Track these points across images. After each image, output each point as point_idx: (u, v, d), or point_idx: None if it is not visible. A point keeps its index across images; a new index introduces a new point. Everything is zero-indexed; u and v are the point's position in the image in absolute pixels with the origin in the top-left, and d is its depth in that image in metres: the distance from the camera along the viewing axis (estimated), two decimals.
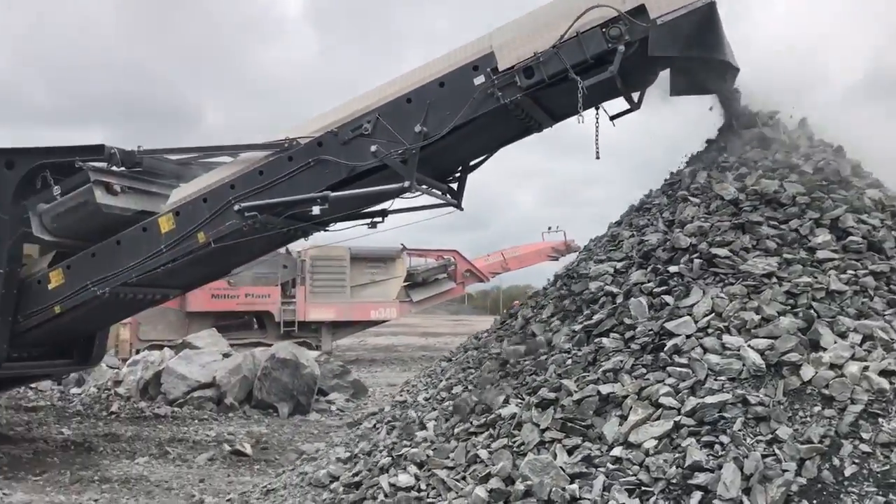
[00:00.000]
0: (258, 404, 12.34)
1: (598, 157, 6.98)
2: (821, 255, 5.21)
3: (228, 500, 6.80)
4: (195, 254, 7.91)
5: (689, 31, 6.34)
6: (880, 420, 4.24)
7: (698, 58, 6.51)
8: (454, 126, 7.06)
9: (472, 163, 8.40)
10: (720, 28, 6.46)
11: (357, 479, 5.55)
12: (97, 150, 8.03)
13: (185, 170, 8.68)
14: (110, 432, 10.54)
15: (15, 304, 8.31)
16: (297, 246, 22.10)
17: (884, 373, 4.45)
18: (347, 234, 9.19)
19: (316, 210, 7.52)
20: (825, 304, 4.91)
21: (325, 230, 8.90)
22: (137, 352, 17.81)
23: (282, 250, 21.91)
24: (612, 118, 7.55)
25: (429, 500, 4.79)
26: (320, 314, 22.19)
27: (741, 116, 6.78)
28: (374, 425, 6.54)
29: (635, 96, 7.51)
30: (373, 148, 7.21)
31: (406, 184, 7.24)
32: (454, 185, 8.48)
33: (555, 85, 6.75)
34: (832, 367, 4.50)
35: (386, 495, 5.04)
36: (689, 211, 5.72)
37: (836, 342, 4.65)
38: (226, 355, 13.29)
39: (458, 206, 8.46)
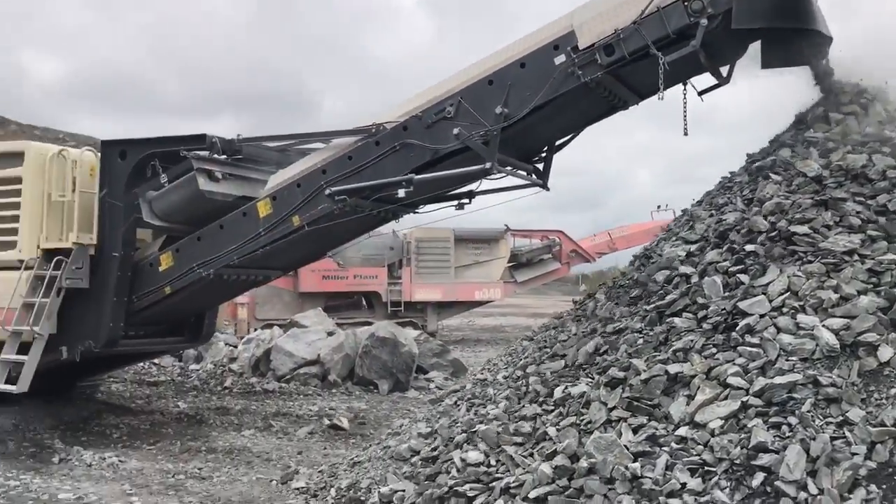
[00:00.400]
0: (360, 381, 12.78)
1: (686, 134, 6.85)
2: None
3: (320, 472, 7.14)
4: (291, 236, 8.27)
5: (775, 0, 6.12)
6: None
7: (786, 28, 6.28)
8: (534, 106, 7.10)
9: (557, 142, 8.39)
10: None
11: (434, 453, 5.74)
12: (199, 140, 8.50)
13: (282, 156, 9.07)
14: (221, 406, 11.17)
15: (129, 286, 8.92)
16: (403, 228, 22.58)
17: None
18: (442, 214, 9.25)
19: (401, 193, 7.71)
20: None
21: (415, 212, 9.11)
22: (255, 330, 18.69)
23: (387, 231, 22.48)
24: (701, 93, 7.38)
25: (497, 476, 4.91)
26: (425, 294, 22.59)
27: (834, 89, 6.49)
28: (455, 402, 6.70)
29: (725, 70, 7.32)
30: (455, 130, 7.32)
31: (488, 165, 7.33)
32: (540, 166, 8.51)
33: (636, 62, 6.67)
34: None
35: (458, 470, 5.19)
36: (770, 189, 5.56)
37: None
38: (330, 333, 13.79)
39: (544, 187, 8.47)
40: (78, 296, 8.78)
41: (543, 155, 8.46)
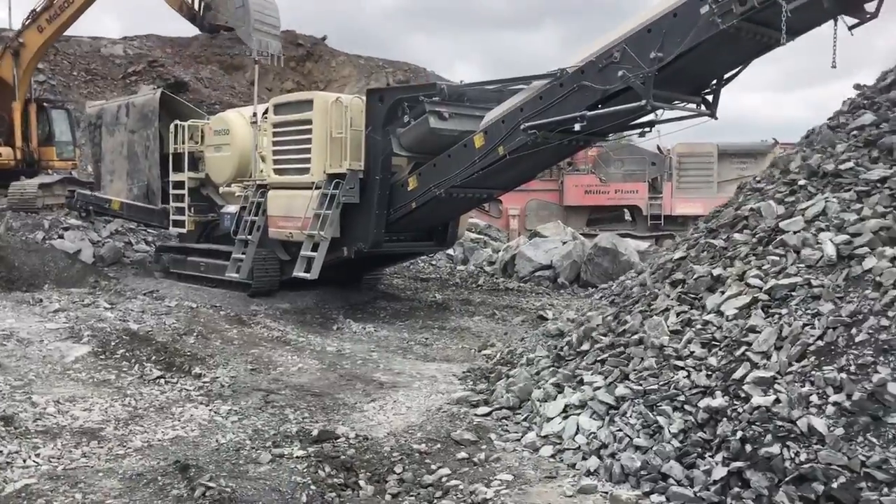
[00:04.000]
0: (584, 284, 14.69)
1: (833, 67, 7.76)
2: None
3: (492, 342, 9.35)
4: (497, 164, 10.35)
5: None
6: None
7: None
8: (682, 51, 8.35)
9: (726, 76, 9.42)
10: None
11: (566, 331, 7.66)
12: (432, 88, 10.85)
13: (500, 95, 11.09)
14: (466, 298, 13.75)
15: (388, 202, 11.62)
16: (666, 143, 23.48)
17: None
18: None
19: (577, 127, 9.41)
20: None
21: (606, 140, 10.71)
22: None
23: (651, 148, 23.55)
24: (851, 28, 8.07)
25: (567, 341, 6.74)
26: (686, 208, 23.41)
27: None
28: (601, 297, 8.47)
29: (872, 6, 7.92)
30: (619, 73, 8.82)
31: (643, 102, 8.75)
32: (710, 97, 9.62)
33: (766, 9, 7.66)
34: (893, 260, 5.34)
35: (568, 345, 7.08)
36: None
37: None
38: (564, 243, 15.76)
39: (712, 116, 9.62)
40: (352, 209, 11.65)
41: (713, 87, 9.57)
